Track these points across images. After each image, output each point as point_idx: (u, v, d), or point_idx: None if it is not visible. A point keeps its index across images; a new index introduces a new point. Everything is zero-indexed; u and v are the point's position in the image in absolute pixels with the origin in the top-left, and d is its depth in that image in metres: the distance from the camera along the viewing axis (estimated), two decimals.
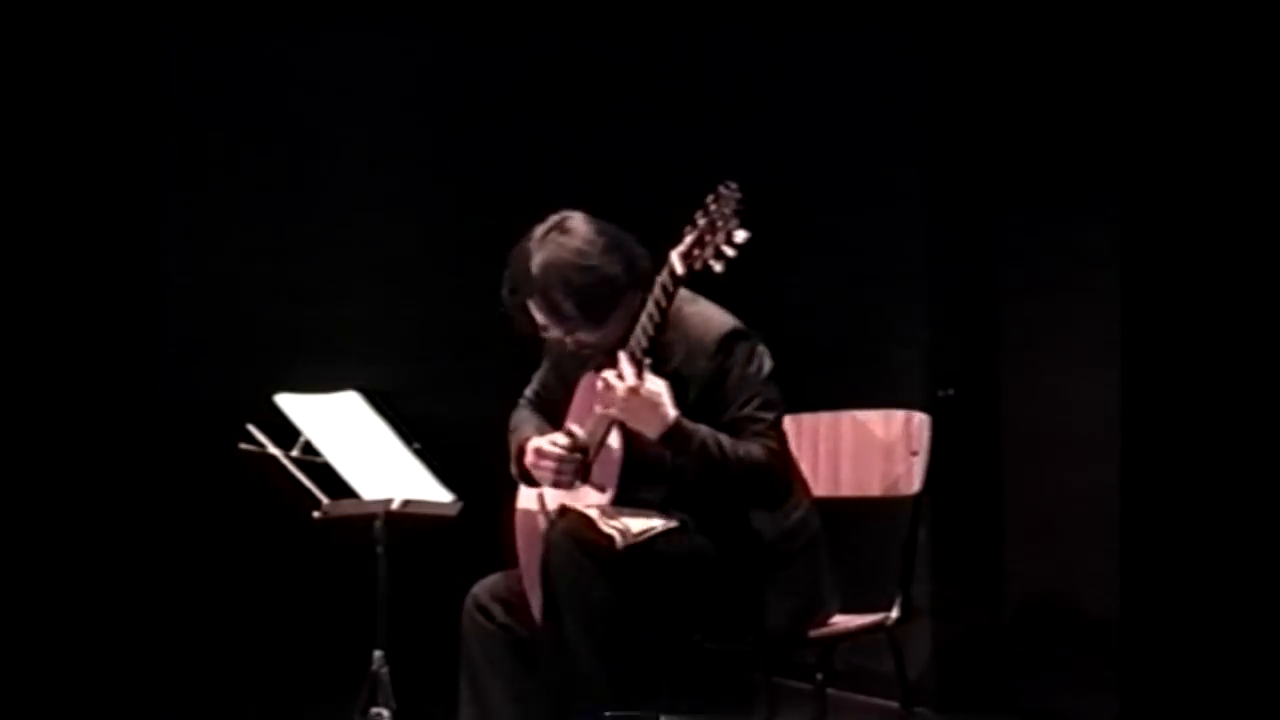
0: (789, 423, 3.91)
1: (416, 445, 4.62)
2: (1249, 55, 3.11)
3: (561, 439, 3.78)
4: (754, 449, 3.66)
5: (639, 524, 3.64)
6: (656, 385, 3.61)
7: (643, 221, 4.26)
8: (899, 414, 4.11)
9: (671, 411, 3.61)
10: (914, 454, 4.04)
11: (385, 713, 4.49)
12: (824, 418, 4.28)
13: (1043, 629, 5.02)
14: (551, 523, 3.70)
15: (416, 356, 5.58)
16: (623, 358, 3.62)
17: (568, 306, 3.70)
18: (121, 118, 4.88)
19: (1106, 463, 4.58)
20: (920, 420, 4.07)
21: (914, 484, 4.03)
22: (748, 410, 3.69)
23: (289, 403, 4.59)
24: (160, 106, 5.21)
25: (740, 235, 3.50)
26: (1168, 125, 3.18)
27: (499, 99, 5.74)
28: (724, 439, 3.65)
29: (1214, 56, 3.13)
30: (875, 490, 4.11)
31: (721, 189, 3.55)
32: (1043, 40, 4.95)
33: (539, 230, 3.75)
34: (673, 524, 3.67)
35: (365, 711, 4.51)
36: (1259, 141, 3.10)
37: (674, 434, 3.61)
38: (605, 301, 3.71)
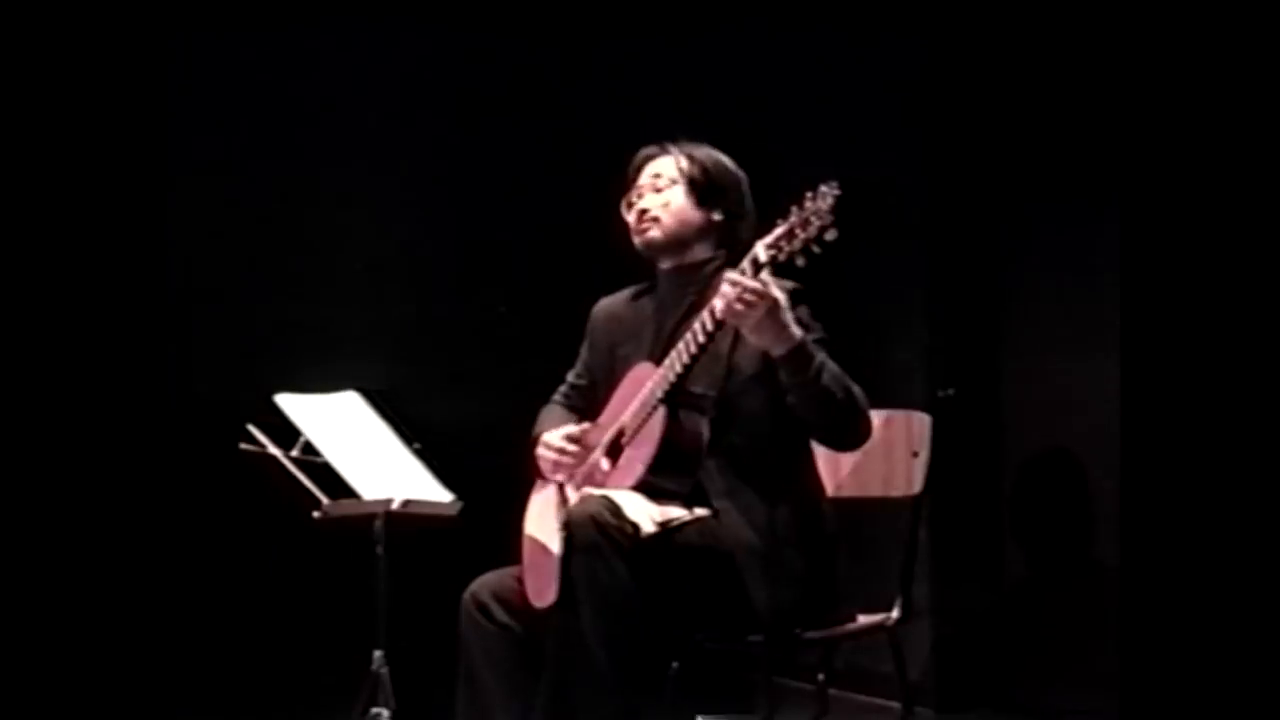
0: None
1: (416, 445, 4.62)
2: (1249, 54, 3.10)
3: (563, 433, 3.78)
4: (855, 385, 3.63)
5: (660, 513, 3.62)
6: (780, 297, 3.53)
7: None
8: (899, 414, 4.11)
9: (797, 330, 3.55)
10: (914, 454, 4.04)
11: (385, 713, 4.50)
12: None
13: (1042, 628, 5.02)
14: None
15: (416, 356, 5.58)
16: (750, 263, 3.53)
17: (695, 172, 3.80)
18: (121, 117, 4.86)
19: (1106, 463, 4.58)
20: (920, 420, 4.07)
21: (914, 484, 4.03)
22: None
23: (289, 403, 4.60)
24: (161, 106, 5.20)
25: (831, 235, 3.48)
26: (1168, 124, 3.17)
27: (499, 98, 5.74)
28: (835, 366, 3.60)
29: (1215, 55, 3.13)
30: (875, 490, 4.10)
31: (822, 187, 3.52)
32: (1043, 41, 4.95)
33: None
34: (698, 514, 3.65)
35: (365, 711, 4.52)
36: (1260, 140, 3.09)
37: (798, 353, 3.55)
38: (720, 198, 3.79)
